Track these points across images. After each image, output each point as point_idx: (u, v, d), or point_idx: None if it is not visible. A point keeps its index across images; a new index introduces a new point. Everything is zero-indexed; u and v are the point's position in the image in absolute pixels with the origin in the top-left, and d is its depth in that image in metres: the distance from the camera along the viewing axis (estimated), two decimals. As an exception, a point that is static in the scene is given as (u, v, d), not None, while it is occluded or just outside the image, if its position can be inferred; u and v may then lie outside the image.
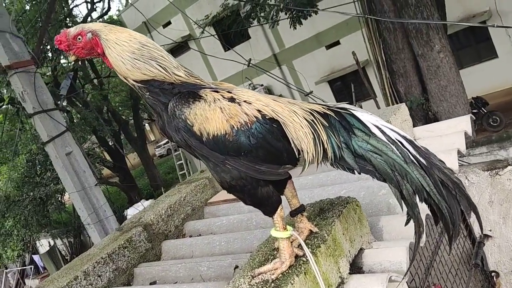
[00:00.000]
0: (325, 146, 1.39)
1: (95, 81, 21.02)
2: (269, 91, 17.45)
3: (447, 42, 8.41)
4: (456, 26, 12.42)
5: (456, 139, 2.07)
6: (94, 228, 5.48)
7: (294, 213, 1.58)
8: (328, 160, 1.41)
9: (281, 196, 1.51)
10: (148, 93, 1.47)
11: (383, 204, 1.86)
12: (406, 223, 1.36)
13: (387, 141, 1.33)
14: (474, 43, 13.56)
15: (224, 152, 1.40)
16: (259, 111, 1.42)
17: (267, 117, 1.42)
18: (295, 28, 8.22)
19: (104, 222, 5.67)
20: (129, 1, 21.70)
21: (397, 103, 9.11)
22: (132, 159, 27.90)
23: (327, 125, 1.41)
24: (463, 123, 2.20)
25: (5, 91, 14.96)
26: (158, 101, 1.46)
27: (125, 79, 1.47)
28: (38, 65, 5.68)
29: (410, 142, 1.35)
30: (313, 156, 1.40)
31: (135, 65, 1.43)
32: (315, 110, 1.45)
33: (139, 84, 1.45)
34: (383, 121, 1.37)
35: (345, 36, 15.07)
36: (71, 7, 19.31)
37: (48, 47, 14.77)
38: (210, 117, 1.39)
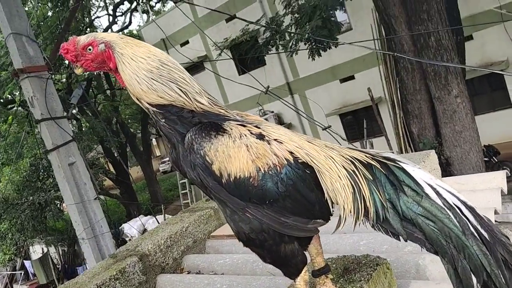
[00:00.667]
0: (367, 203, 1.17)
1: (108, 92, 21.13)
2: (279, 118, 17.39)
3: (465, 87, 8.30)
4: (473, 73, 12.34)
5: (492, 197, 1.89)
6: (88, 243, 5.28)
7: (317, 273, 1.36)
8: (369, 220, 1.19)
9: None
10: (163, 120, 1.27)
11: (410, 264, 1.63)
12: None
13: (443, 206, 1.12)
14: (489, 91, 13.47)
15: (245, 198, 1.20)
16: (291, 153, 1.22)
17: (299, 161, 1.22)
18: (314, 59, 8.16)
19: (99, 238, 5.47)
20: (151, 17, 22.00)
21: (409, 144, 8.96)
22: (136, 172, 27.81)
23: (371, 178, 1.20)
24: (498, 179, 2.03)
25: (17, 93, 15.00)
26: (175, 130, 1.27)
27: (138, 100, 1.28)
28: (52, 72, 5.61)
29: (471, 209, 1.14)
30: (350, 213, 1.19)
31: (152, 86, 1.24)
32: (356, 159, 1.24)
33: (154, 109, 1.27)
34: (438, 180, 1.16)
35: (360, 71, 15.06)
36: (92, 18, 19.61)
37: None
38: (234, 156, 1.19)
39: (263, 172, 1.19)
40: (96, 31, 19.75)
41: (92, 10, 19.05)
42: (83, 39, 1.31)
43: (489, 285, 1.08)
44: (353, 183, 1.20)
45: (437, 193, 1.13)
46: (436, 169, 2.30)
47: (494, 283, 1.06)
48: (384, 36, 8.81)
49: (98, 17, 20.48)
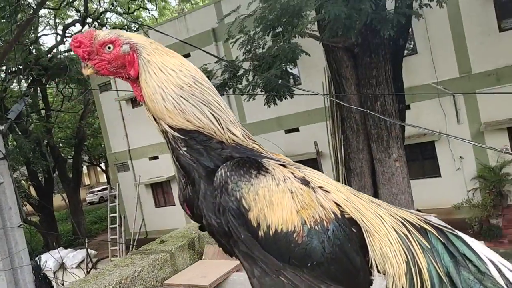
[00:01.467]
0: (423, 276, 0.98)
1: (43, 112, 20.00)
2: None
3: (404, 152, 8.77)
4: (408, 140, 13.15)
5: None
6: (4, 276, 4.69)
7: None
8: None
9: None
10: (185, 148, 1.06)
11: None
12: None
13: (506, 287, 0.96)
14: (421, 158, 14.34)
15: (284, 258, 0.97)
16: (337, 205, 1.03)
17: (346, 216, 1.03)
18: (269, 107, 8.27)
19: (17, 271, 4.88)
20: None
21: (348, 201, 9.18)
22: (60, 200, 26.01)
23: (427, 246, 1.02)
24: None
25: None
26: (198, 163, 1.06)
27: (157, 120, 1.07)
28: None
29: None
30: (402, 287, 0.98)
31: (179, 106, 1.03)
32: (407, 220, 1.06)
33: (176, 133, 1.05)
34: (498, 255, 1.01)
35: (304, 125, 15.53)
36: (39, 34, 18.81)
37: (4, 67, 14.00)
38: (277, 202, 0.98)
39: (309, 226, 0.98)
40: (40, 48, 18.91)
41: (40, 26, 18.30)
42: (103, 34, 1.09)
43: None
44: (406, 250, 1.02)
45: (499, 271, 0.98)
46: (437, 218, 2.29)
47: None
48: (334, 93, 9.21)
49: (45, 34, 19.71)
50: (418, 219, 1.08)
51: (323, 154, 12.73)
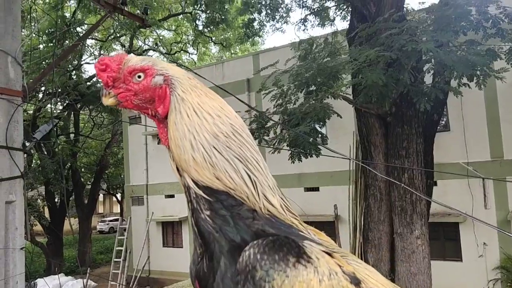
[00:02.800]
0: None
1: (72, 135, 20.44)
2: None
3: (428, 231, 8.36)
4: (431, 218, 12.65)
5: None
6: (-5, 298, 4.51)
7: None
8: None
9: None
10: (208, 212, 0.87)
11: None
12: None
13: None
14: (442, 239, 13.72)
15: None
16: None
17: None
18: (293, 162, 8.14)
19: (9, 294, 4.70)
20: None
21: (362, 273, 8.71)
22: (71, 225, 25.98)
23: None
24: None
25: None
26: (220, 232, 0.86)
27: (180, 171, 0.90)
28: (26, 100, 5.25)
29: None
30: None
31: (210, 159, 0.87)
32: None
33: (200, 192, 0.87)
34: None
35: (325, 185, 15.24)
36: (82, 62, 19.60)
37: (43, 88, 14.48)
38: None
39: None
40: (81, 75, 19.65)
41: (85, 55, 19.10)
42: (135, 60, 0.95)
43: None
44: None
45: None
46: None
47: None
48: (361, 159, 9.02)
49: (87, 63, 20.50)
50: None
51: (341, 218, 12.34)
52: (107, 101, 0.97)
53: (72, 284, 12.61)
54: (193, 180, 0.88)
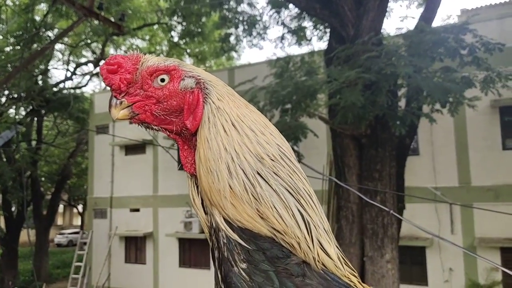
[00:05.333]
0: None
1: (34, 142, 19.57)
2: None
3: (397, 255, 8.32)
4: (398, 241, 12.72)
5: None
6: None
7: None
8: None
9: None
10: (245, 265, 0.64)
11: None
12: None
13: None
14: (409, 263, 13.79)
15: None
16: None
17: None
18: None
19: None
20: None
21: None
22: (26, 236, 24.76)
23: None
24: None
25: None
26: None
27: (209, 205, 0.68)
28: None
29: None
30: None
31: (254, 189, 0.66)
32: None
33: (235, 235, 0.65)
34: None
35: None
36: (49, 67, 18.93)
37: (6, 92, 13.82)
38: None
39: None
40: (47, 81, 18.94)
41: (53, 59, 18.46)
42: (156, 59, 0.73)
43: None
44: None
45: None
46: None
47: None
48: (334, 179, 8.92)
49: (55, 68, 19.85)
50: None
51: (311, 239, 12.19)
52: (118, 113, 0.74)
53: (25, 300, 11.85)
54: (226, 219, 0.66)
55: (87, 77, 20.52)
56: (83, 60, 20.62)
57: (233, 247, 0.66)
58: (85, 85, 20.30)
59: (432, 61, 7.05)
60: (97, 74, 21.14)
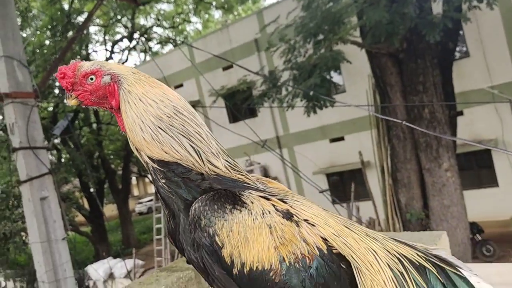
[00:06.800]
0: None
1: (94, 125, 20.82)
2: (265, 170, 17.20)
3: (456, 162, 8.27)
4: (462, 148, 12.48)
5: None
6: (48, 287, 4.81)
7: None
8: None
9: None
10: (163, 180, 1.03)
11: None
12: None
13: None
14: (476, 168, 13.56)
15: None
16: (324, 240, 0.96)
17: (334, 251, 0.95)
18: (309, 116, 8.08)
19: (61, 283, 4.99)
20: (148, 57, 22.18)
21: (396, 213, 8.78)
22: (111, 210, 26.95)
23: (425, 287, 0.93)
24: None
25: (0, 117, 14.62)
26: (176, 195, 1.03)
27: (138, 151, 1.06)
28: (39, 100, 5.36)
29: None
30: None
31: (157, 138, 1.01)
32: (405, 256, 0.98)
33: (154, 165, 1.03)
34: None
35: (350, 133, 15.15)
36: (89, 51, 19.67)
37: (57, 83, 14.69)
38: (252, 239, 0.94)
39: (287, 264, 0.93)
40: (92, 64, 19.74)
41: (91, 43, 19.13)
42: (86, 65, 1.10)
43: None
44: None
45: None
46: (447, 251, 2.05)
47: None
48: (379, 104, 8.87)
49: (95, 51, 20.56)
50: (418, 255, 0.99)
51: (370, 164, 12.28)
52: (71, 102, 1.13)
53: (121, 265, 13.19)
54: (148, 156, 1.04)
55: (126, 52, 21.11)
56: (118, 37, 21.17)
57: (156, 171, 1.05)
58: (125, 61, 20.92)
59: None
60: (134, 48, 21.71)
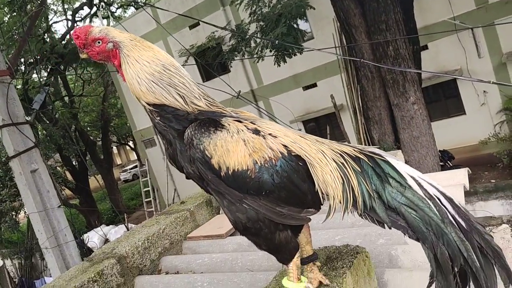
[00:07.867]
0: (355, 193, 1.25)
1: (66, 98, 20.52)
2: (243, 125, 17.43)
3: (421, 95, 8.70)
4: (428, 81, 12.94)
5: (455, 193, 2.04)
6: (52, 253, 5.12)
7: (306, 261, 1.43)
8: (357, 210, 1.26)
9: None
10: (158, 118, 1.36)
11: (384, 255, 1.73)
12: (428, 287, 1.21)
13: (424, 196, 1.21)
14: (443, 98, 14.12)
15: (243, 190, 1.27)
16: (285, 146, 1.30)
17: (293, 154, 1.29)
18: (279, 65, 8.31)
19: (63, 247, 5.32)
20: (111, 23, 21.58)
21: (370, 149, 9.26)
22: (96, 182, 27.13)
23: (359, 170, 1.28)
24: (460, 176, 2.18)
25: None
26: (169, 127, 1.35)
27: (137, 98, 1.38)
28: (14, 76, 5.44)
29: (450, 200, 1.21)
30: (340, 203, 1.26)
31: (151, 88, 1.33)
32: (345, 152, 1.33)
33: (150, 107, 1.36)
34: (419, 172, 1.26)
35: (322, 79, 15.43)
36: (50, 23, 19.05)
37: (22, 60, 14.38)
38: (232, 150, 1.26)
39: (259, 165, 1.26)
40: (54, 36, 19.20)
41: (50, 15, 18.51)
42: (95, 32, 1.39)
43: (466, 269, 1.15)
44: (342, 175, 1.28)
45: (419, 184, 1.23)
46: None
47: (470, 267, 1.14)
48: (345, 44, 9.12)
49: (55, 22, 19.93)
50: (355, 150, 1.35)
51: (343, 106, 12.70)
52: (82, 55, 1.44)
53: (115, 231, 13.62)
54: (146, 102, 1.36)
55: (87, 20, 20.48)
56: (77, 4, 20.46)
57: (152, 112, 1.38)
58: (89, 29, 20.34)
59: None
60: (95, 14, 21.07)
